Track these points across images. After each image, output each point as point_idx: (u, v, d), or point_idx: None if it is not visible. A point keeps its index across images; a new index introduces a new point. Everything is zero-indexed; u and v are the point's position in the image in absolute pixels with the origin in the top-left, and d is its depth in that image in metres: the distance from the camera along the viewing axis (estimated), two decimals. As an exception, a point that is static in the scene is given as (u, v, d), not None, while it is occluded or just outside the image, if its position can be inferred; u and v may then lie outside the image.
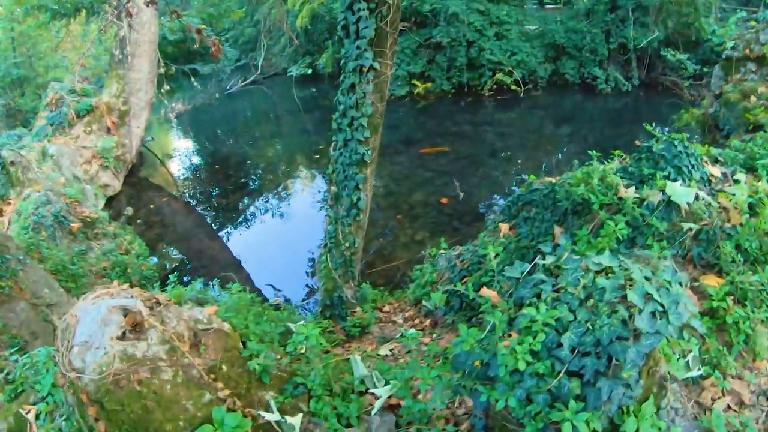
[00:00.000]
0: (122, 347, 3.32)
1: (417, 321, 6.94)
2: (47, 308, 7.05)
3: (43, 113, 15.38)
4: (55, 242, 9.64)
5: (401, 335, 6.15)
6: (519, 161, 15.82)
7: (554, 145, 17.48)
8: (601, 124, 18.82)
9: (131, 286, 3.91)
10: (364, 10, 5.66)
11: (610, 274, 3.47)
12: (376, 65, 5.85)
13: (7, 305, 6.66)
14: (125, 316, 3.44)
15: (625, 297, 3.26)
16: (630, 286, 3.31)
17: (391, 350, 5.92)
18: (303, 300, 9.65)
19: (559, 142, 17.79)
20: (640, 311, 3.17)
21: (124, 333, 3.39)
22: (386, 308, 7.78)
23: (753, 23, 10.58)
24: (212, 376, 3.66)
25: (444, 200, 12.80)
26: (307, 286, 10.21)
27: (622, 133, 16.84)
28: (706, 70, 19.30)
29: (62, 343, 3.42)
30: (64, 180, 12.50)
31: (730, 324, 4.39)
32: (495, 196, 13.63)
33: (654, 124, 6.76)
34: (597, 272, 3.52)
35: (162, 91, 15.66)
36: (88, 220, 10.77)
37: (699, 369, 3.98)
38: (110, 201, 14.12)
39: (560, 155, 16.20)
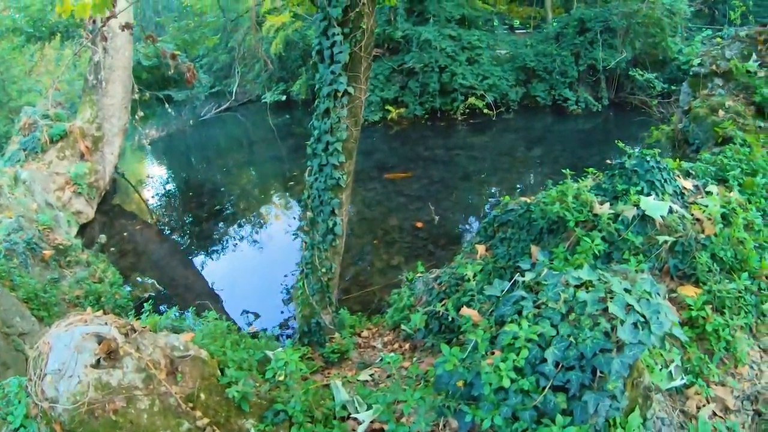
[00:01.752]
0: (97, 375, 3.24)
1: (396, 345, 6.89)
2: (19, 337, 6.90)
3: (16, 138, 15.16)
4: (27, 270, 9.43)
5: (381, 360, 6.10)
6: (493, 184, 15.94)
7: (527, 166, 17.65)
8: (572, 144, 19.05)
9: (106, 314, 3.84)
10: (338, 35, 5.72)
11: (590, 288, 3.49)
12: (351, 90, 5.89)
13: None
14: (99, 344, 3.36)
15: (606, 309, 3.27)
16: (611, 298, 3.33)
17: (371, 375, 5.86)
18: (281, 327, 9.54)
19: (531, 163, 17.95)
20: (622, 322, 3.18)
21: (98, 361, 3.31)
22: (365, 334, 7.71)
23: (719, 40, 10.87)
24: (190, 404, 3.58)
25: (419, 224, 12.79)
26: (283, 313, 10.10)
27: (593, 152, 17.06)
28: (674, 88, 19.72)
29: (34, 372, 3.33)
30: (37, 206, 12.28)
31: (710, 332, 4.47)
32: (470, 218, 13.68)
33: (625, 142, 6.88)
34: (577, 286, 3.54)
35: (136, 117, 15.51)
36: (61, 247, 10.60)
37: (682, 378, 4.02)
38: (83, 228, 13.87)
39: (533, 176, 16.36)
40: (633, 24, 22.26)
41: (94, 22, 12.79)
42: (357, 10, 5.68)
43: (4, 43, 24.33)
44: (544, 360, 3.12)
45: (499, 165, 17.65)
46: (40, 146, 14.43)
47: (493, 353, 3.32)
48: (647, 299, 3.41)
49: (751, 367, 4.55)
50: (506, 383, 3.04)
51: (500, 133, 21.17)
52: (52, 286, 9.35)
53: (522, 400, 3.06)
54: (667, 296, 4.65)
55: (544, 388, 3.07)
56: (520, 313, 3.52)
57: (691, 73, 10.48)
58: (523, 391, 3.07)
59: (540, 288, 3.71)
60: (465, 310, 4.54)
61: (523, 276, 4.05)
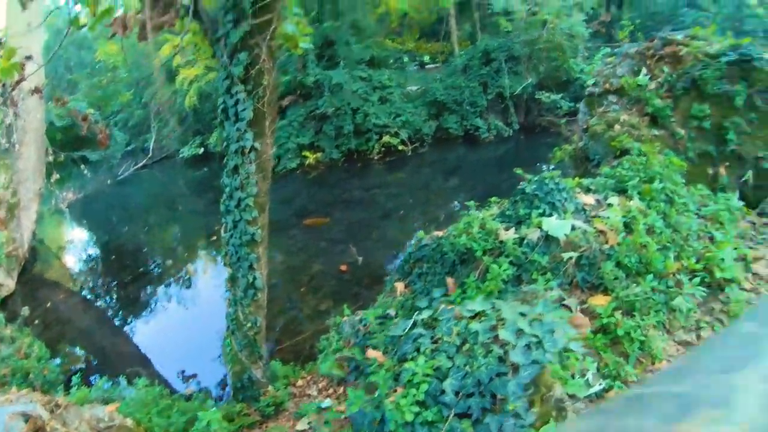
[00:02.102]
0: (24, 454, 3.28)
1: (331, 390, 6.93)
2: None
3: (-75, 206, 14.57)
4: None
5: (317, 408, 6.18)
6: (412, 219, 16.24)
7: (444, 198, 18.06)
8: (487, 171, 19.68)
9: (34, 391, 3.85)
10: (241, 92, 5.89)
11: (482, 318, 3.75)
12: (257, 145, 6.04)
13: None
14: (26, 422, 3.39)
15: (497, 336, 3.51)
16: (502, 325, 3.58)
17: (309, 423, 5.92)
18: (220, 386, 9.43)
19: (448, 194, 18.39)
20: (514, 346, 3.43)
21: (27, 438, 3.35)
22: (299, 383, 7.71)
23: (610, 59, 11.40)
24: (116, 473, 3.64)
25: (343, 267, 12.86)
26: (219, 371, 9.98)
27: (507, 177, 17.39)
28: (578, 106, 20.57)
29: (-42, 455, 3.33)
30: (-48, 280, 11.88)
31: (622, 336, 4.66)
32: (392, 256, 13.89)
33: (537, 163, 7.28)
34: (471, 318, 3.79)
35: (51, 179, 15.17)
36: (-18, 324, 10.26)
37: (600, 383, 4.18)
38: (5, 301, 13.35)
39: (451, 207, 16.73)
40: (535, 50, 23.48)
41: (3, 86, 12.63)
42: (258, 67, 5.86)
43: None
44: (443, 391, 3.33)
45: (418, 199, 18.01)
46: (-50, 216, 13.96)
47: (395, 390, 3.51)
48: (540, 320, 3.68)
49: (669, 362, 4.74)
50: (409, 417, 3.24)
51: (416, 168, 21.70)
52: (-24, 366, 9.04)
53: (428, 431, 3.26)
54: (578, 308, 4.90)
55: (447, 416, 3.27)
56: (419, 350, 3.73)
57: (586, 93, 11.02)
58: (428, 422, 3.27)
59: (436, 324, 3.93)
60: (370, 352, 4.71)
61: (420, 314, 4.27)
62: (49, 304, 13.72)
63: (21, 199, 14.95)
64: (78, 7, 7.95)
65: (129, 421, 3.98)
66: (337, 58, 24.07)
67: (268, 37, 5.91)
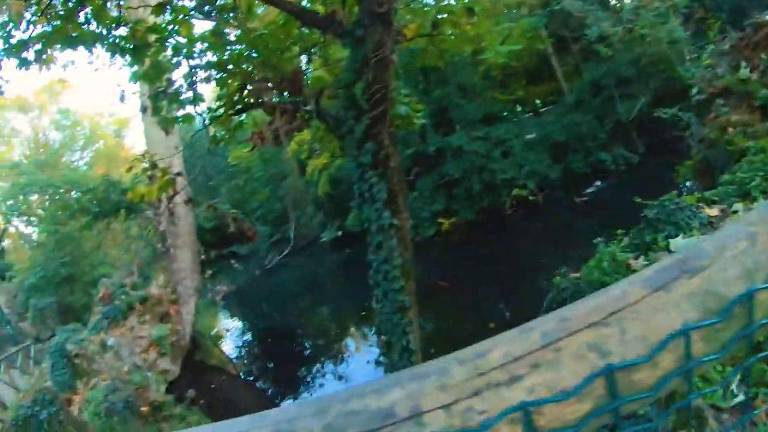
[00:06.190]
0: None
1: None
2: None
3: (97, 308, 16.17)
4: (126, 426, 10.08)
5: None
6: (555, 264, 15.93)
7: (582, 238, 17.54)
8: (622, 202, 18.95)
9: None
10: (373, 177, 6.41)
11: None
12: (395, 221, 6.51)
13: None
14: None
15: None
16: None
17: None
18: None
19: (586, 234, 17.83)
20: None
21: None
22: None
23: (707, 62, 10.84)
24: None
25: (491, 325, 12.89)
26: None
27: (646, 205, 16.87)
28: (690, 117, 19.37)
29: None
30: (127, 368, 13.09)
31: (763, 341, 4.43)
32: (540, 304, 13.68)
33: (672, 183, 7.10)
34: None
35: (206, 275, 16.39)
36: (156, 404, 11.24)
37: (744, 393, 4.04)
38: (171, 385, 14.40)
39: (591, 248, 16.28)
40: (641, 67, 22.38)
41: (159, 200, 14.06)
42: (384, 152, 6.38)
43: (72, 223, 26.18)
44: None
45: (557, 245, 17.66)
46: (121, 314, 15.39)
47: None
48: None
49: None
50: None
51: (551, 214, 21.36)
52: (152, 440, 9.95)
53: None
54: None
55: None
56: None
57: (693, 103, 10.51)
58: None
59: None
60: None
61: None
62: (212, 386, 14.64)
63: (180, 295, 16.31)
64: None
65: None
66: (452, 122, 24.33)
67: (386, 125, 6.44)
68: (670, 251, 5.37)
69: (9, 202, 31.62)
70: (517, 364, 0.67)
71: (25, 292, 29.46)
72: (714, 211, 6.12)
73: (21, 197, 30.28)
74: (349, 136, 6.65)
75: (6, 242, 45.42)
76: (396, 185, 6.53)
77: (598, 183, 22.47)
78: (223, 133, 9.32)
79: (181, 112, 8.51)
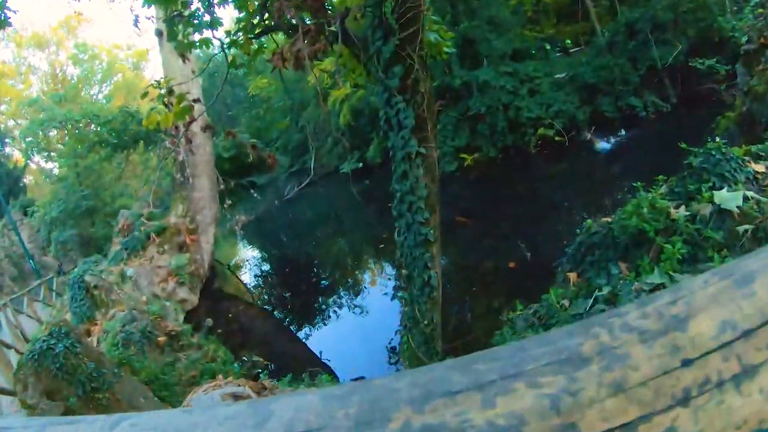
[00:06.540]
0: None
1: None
2: (144, 417, 7.36)
3: (117, 239, 16.37)
4: (144, 356, 10.19)
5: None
6: (578, 209, 15.68)
7: (609, 184, 17.24)
8: (649, 151, 18.49)
9: (237, 379, 4.19)
10: (401, 102, 6.09)
11: (662, 290, 3.55)
12: (423, 150, 6.23)
13: (106, 415, 6.99)
14: (236, 401, 3.72)
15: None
16: (683, 296, 3.38)
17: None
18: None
19: (612, 180, 17.56)
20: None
21: (237, 417, 3.68)
22: (474, 379, 7.72)
23: (760, 10, 10.43)
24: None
25: (512, 264, 12.73)
26: (390, 370, 10.18)
27: (671, 155, 16.46)
28: (737, 68, 18.84)
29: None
30: (145, 298, 13.21)
31: None
32: (561, 248, 13.49)
33: (703, 136, 6.80)
34: (650, 291, 3.62)
35: (225, 205, 16.38)
36: (173, 333, 11.32)
37: None
38: (189, 314, 14.61)
39: (617, 194, 15.99)
40: (680, 13, 21.49)
41: (176, 128, 13.85)
42: (413, 76, 6.04)
43: (92, 155, 26.32)
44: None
45: (581, 189, 17.36)
46: (141, 244, 15.50)
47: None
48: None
49: None
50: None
51: (576, 157, 20.94)
52: (169, 369, 10.07)
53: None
54: None
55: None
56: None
57: (742, 53, 10.15)
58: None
59: (617, 299, 3.80)
60: (552, 332, 4.63)
61: (601, 291, 4.14)
62: (230, 315, 14.81)
63: (199, 224, 16.35)
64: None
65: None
66: (480, 56, 23.74)
67: (417, 47, 6.08)
68: (714, 203, 5.11)
69: (29, 139, 31.71)
70: None
71: (47, 226, 30.03)
72: (761, 168, 5.76)
73: (40, 133, 30.41)
74: (375, 58, 6.30)
75: (28, 179, 46.12)
76: (425, 112, 6.21)
77: (623, 132, 21.78)
78: (242, 59, 9.03)
79: (197, 37, 8.25)
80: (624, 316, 0.75)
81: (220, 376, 4.50)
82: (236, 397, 3.78)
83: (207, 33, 8.01)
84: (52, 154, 36.55)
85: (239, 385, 3.94)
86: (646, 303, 0.77)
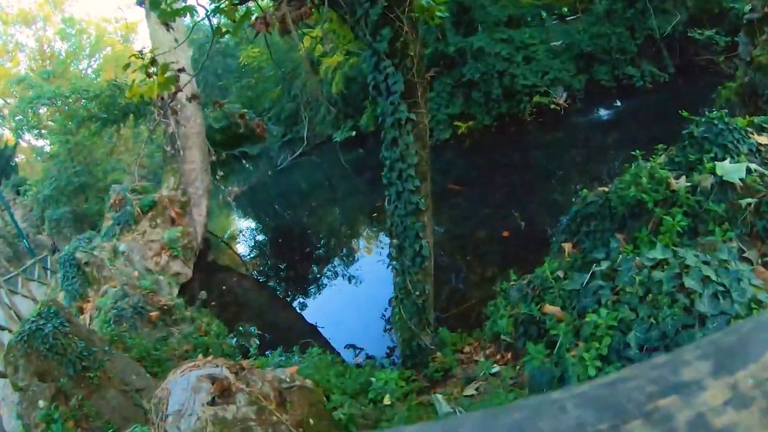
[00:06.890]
0: (213, 412, 3.57)
1: (498, 357, 6.89)
2: (136, 393, 7.42)
3: (109, 214, 16.26)
4: (136, 332, 10.16)
5: (484, 373, 6.15)
6: (573, 178, 15.62)
7: (605, 154, 17.17)
8: (646, 121, 18.35)
9: (217, 359, 4.17)
10: (389, 66, 5.94)
11: (665, 266, 3.50)
12: (413, 116, 6.07)
13: (98, 393, 7.06)
14: (213, 383, 3.69)
15: (683, 285, 3.27)
16: (686, 272, 3.33)
17: (477, 389, 5.93)
18: (386, 356, 9.66)
19: (609, 149, 17.46)
20: (700, 295, 3.17)
21: (213, 399, 3.65)
22: (466, 349, 7.72)
23: None
24: (301, 430, 3.83)
25: (506, 233, 12.65)
26: (385, 341, 10.21)
27: (669, 126, 16.36)
28: (737, 39, 18.66)
29: (157, 415, 3.68)
30: (138, 273, 13.16)
31: None
32: (556, 217, 13.49)
33: (700, 107, 6.68)
34: (652, 267, 3.56)
35: (217, 177, 16.26)
36: (166, 308, 11.26)
37: None
38: (184, 287, 14.59)
39: (613, 163, 15.89)
40: None
41: (162, 99, 13.68)
42: (402, 39, 5.88)
43: (82, 131, 26.14)
44: (628, 345, 3.16)
45: (577, 158, 17.32)
46: (132, 218, 15.40)
47: (577, 345, 3.39)
48: (726, 267, 3.40)
49: None
50: (592, 372, 3.11)
51: (572, 126, 20.73)
52: (161, 344, 10.04)
53: (613, 387, 3.10)
54: (759, 261, 4.44)
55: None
56: (600, 302, 3.57)
57: (745, 22, 9.87)
58: (613, 378, 3.11)
59: (616, 275, 3.75)
60: (547, 308, 4.59)
61: (599, 265, 4.08)
62: (224, 287, 14.82)
63: (191, 197, 16.26)
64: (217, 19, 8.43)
65: (309, 382, 4.20)
66: (474, 23, 23.30)
67: (406, 9, 5.92)
68: (715, 174, 4.99)
69: (18, 117, 31.42)
70: None
71: (40, 205, 29.92)
72: (763, 139, 5.65)
73: (30, 111, 30.04)
74: (363, 21, 6.12)
75: (19, 158, 45.86)
76: (414, 77, 6.05)
77: (618, 103, 21.51)
78: (228, 25, 8.81)
79: (181, 4, 8.04)
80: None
81: (201, 356, 4.44)
82: (213, 378, 3.72)
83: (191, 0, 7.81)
84: (43, 131, 36.24)
85: (217, 366, 3.87)
86: None
